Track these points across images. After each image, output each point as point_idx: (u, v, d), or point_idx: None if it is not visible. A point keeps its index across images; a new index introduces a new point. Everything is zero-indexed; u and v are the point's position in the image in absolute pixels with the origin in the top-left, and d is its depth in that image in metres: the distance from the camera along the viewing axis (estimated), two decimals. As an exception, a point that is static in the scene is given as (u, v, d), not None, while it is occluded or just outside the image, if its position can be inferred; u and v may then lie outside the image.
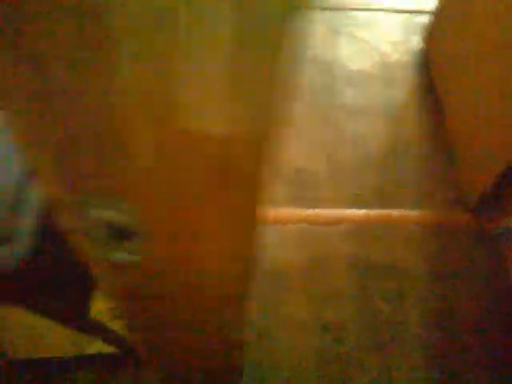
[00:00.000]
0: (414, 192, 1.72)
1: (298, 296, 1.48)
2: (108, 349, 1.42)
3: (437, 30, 2.00)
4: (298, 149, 1.79)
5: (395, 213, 1.66)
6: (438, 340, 1.42)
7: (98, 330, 1.35)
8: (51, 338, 1.43)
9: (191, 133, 0.39)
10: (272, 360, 1.37)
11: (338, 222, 1.62)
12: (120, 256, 0.56)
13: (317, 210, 1.64)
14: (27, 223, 0.78)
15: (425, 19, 2.23)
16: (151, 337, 0.70)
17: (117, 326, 1.41)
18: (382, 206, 1.67)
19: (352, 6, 2.35)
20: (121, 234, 0.53)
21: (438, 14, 1.99)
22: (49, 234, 0.87)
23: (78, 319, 1.26)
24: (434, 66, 2.01)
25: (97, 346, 1.46)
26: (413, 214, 1.67)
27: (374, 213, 1.65)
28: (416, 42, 2.19)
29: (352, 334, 1.42)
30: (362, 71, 2.06)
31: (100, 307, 1.30)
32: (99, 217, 0.50)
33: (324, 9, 2.32)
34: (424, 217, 1.66)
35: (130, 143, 0.41)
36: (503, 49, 1.47)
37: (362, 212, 1.65)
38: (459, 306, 1.48)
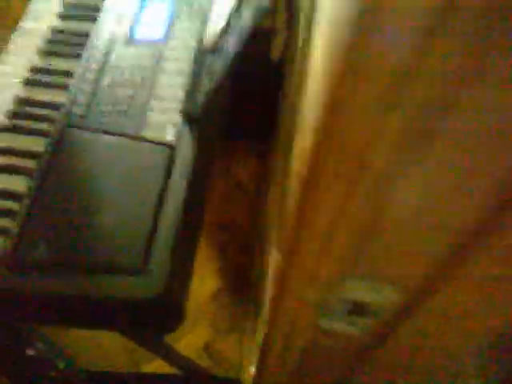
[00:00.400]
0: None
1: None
2: (168, 369, 1.40)
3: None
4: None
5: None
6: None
7: (162, 348, 1.34)
8: (112, 352, 1.41)
9: None
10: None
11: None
12: (342, 327, 0.55)
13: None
14: (161, 255, 0.77)
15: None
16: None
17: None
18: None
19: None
20: (359, 310, 0.52)
21: None
22: (180, 267, 0.86)
23: (154, 340, 1.24)
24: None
25: (156, 365, 1.44)
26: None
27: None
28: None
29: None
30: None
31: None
32: (350, 296, 0.50)
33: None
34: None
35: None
36: None
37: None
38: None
